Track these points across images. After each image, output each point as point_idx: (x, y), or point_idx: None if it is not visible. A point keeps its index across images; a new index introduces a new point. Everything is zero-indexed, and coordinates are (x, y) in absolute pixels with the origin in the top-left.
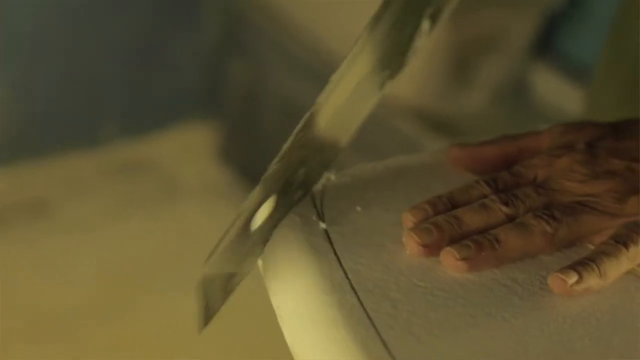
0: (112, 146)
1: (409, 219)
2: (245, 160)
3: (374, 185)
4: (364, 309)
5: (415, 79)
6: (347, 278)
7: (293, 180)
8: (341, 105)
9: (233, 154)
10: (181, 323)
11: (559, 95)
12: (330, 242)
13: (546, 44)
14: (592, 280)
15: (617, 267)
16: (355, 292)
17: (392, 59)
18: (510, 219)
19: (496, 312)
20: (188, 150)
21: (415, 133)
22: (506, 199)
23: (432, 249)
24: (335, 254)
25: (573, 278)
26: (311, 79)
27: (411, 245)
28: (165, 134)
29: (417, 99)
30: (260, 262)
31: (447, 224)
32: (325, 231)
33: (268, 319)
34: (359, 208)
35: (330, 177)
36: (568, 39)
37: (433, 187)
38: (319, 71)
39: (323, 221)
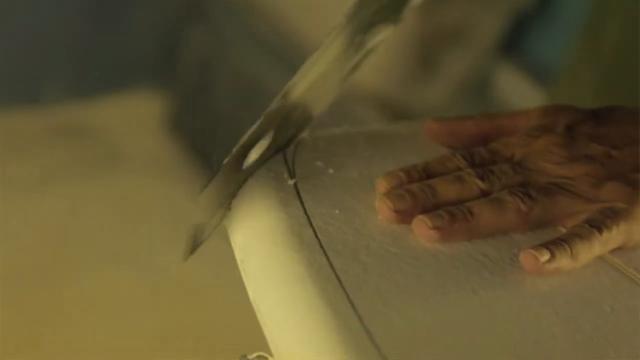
0: (58, 108)
1: (382, 185)
2: (194, 133)
3: (348, 150)
4: (333, 269)
5: (379, 68)
6: (317, 237)
7: (290, 118)
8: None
9: (182, 126)
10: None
11: (521, 95)
12: (301, 200)
13: (513, 44)
14: (563, 261)
15: (589, 250)
16: (325, 252)
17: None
18: (485, 194)
19: (465, 284)
20: (136, 118)
21: (375, 121)
22: (482, 173)
23: (404, 216)
24: (305, 212)
25: (545, 256)
26: (272, 54)
27: (384, 211)
28: (114, 100)
29: (380, 87)
30: (226, 215)
31: (421, 193)
32: (296, 189)
33: (230, 273)
34: (331, 170)
35: (304, 137)
36: (535, 39)
37: (407, 157)
38: (280, 46)
39: (294, 180)
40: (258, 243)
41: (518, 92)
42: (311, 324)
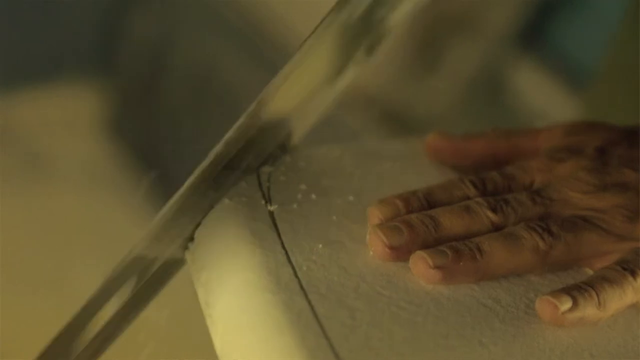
0: None
1: (375, 215)
2: (137, 137)
3: (334, 171)
4: (315, 315)
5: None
6: (297, 277)
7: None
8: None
9: (123, 127)
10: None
11: (545, 99)
12: (278, 233)
13: (535, 36)
14: (588, 309)
15: (619, 298)
16: (306, 295)
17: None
18: (498, 228)
19: (472, 334)
20: (65, 117)
21: (365, 128)
22: (495, 204)
23: (401, 253)
24: (283, 246)
25: (566, 304)
26: (234, 42)
27: (376, 246)
28: (38, 95)
29: (371, 86)
30: (187, 248)
31: (421, 225)
32: (273, 219)
33: (192, 318)
34: (314, 195)
35: (282, 157)
36: (564, 32)
37: (405, 181)
38: (245, 33)
39: (270, 208)
40: (226, 282)
41: (540, 94)
42: None
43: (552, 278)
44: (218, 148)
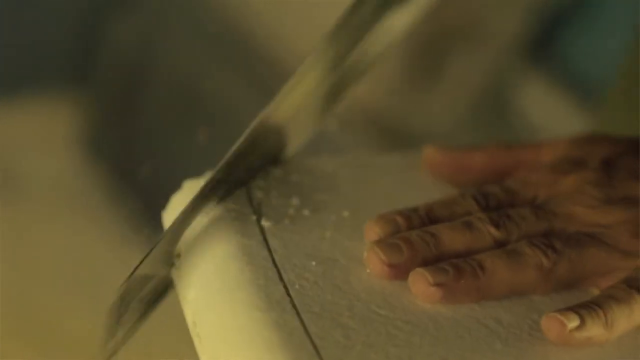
0: None
1: (374, 231)
2: (117, 153)
3: (327, 186)
4: (308, 334)
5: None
6: (288, 295)
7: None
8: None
9: (101, 143)
10: None
11: (553, 113)
12: (269, 249)
13: (543, 48)
14: (595, 329)
15: (628, 318)
16: (298, 313)
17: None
18: (500, 245)
19: (472, 356)
20: (38, 132)
21: (364, 143)
22: (497, 219)
23: (399, 271)
24: (274, 263)
25: (574, 322)
26: (217, 55)
27: (375, 264)
28: (8, 109)
29: (369, 99)
30: (173, 264)
31: (421, 242)
32: (263, 235)
33: (179, 338)
34: (307, 211)
35: (273, 171)
36: (572, 43)
37: (400, 194)
38: (227, 46)
39: (261, 222)
40: (215, 301)
41: (549, 110)
42: None
43: (556, 298)
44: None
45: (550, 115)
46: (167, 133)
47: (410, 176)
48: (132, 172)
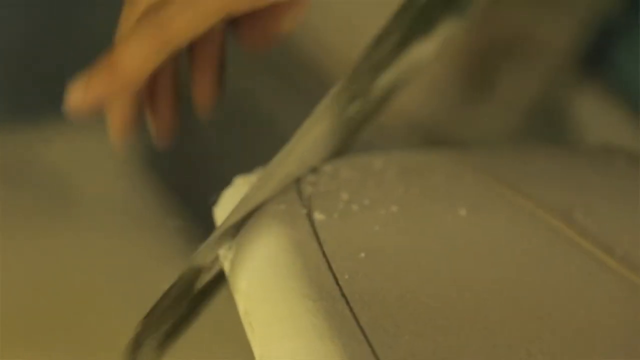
0: None
1: None
2: (174, 171)
3: (376, 181)
4: (358, 323)
5: (420, 91)
6: (338, 285)
7: None
8: None
9: (158, 162)
10: None
11: (607, 127)
12: (319, 242)
13: (597, 60)
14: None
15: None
16: (348, 302)
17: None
18: None
19: (520, 344)
20: (94, 152)
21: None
22: None
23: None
24: (324, 255)
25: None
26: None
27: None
28: (70, 128)
29: (421, 115)
30: (225, 257)
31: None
32: (313, 228)
33: (232, 327)
34: (356, 205)
35: (323, 166)
36: (628, 56)
37: (448, 189)
38: (281, 63)
39: (311, 216)
40: (266, 291)
41: (603, 124)
42: None
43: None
44: None
45: (605, 127)
46: (220, 147)
47: (458, 171)
48: (186, 187)
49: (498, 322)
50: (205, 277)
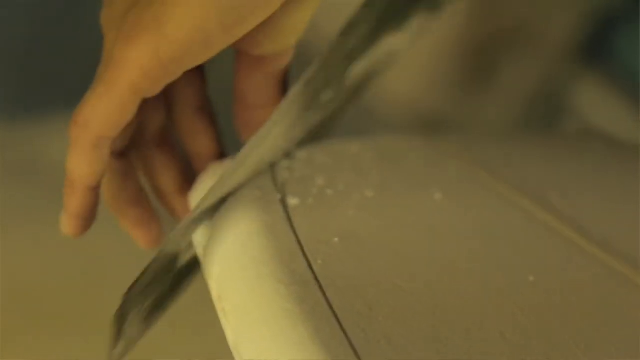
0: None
1: None
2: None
3: (351, 166)
4: (330, 307)
5: (421, 81)
6: (311, 269)
7: None
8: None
9: None
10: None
11: (609, 116)
12: (293, 227)
13: (598, 50)
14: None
15: None
16: (321, 286)
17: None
18: None
19: (494, 326)
20: None
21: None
22: None
23: None
24: (298, 240)
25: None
26: None
27: None
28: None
29: (422, 104)
30: (199, 242)
31: None
32: (287, 213)
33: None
34: (330, 190)
35: (298, 151)
36: (628, 45)
37: (424, 175)
38: None
39: (285, 201)
40: (239, 276)
41: (605, 114)
42: None
43: None
44: None
45: (606, 116)
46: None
47: (435, 156)
48: None
49: (472, 304)
50: (186, 256)
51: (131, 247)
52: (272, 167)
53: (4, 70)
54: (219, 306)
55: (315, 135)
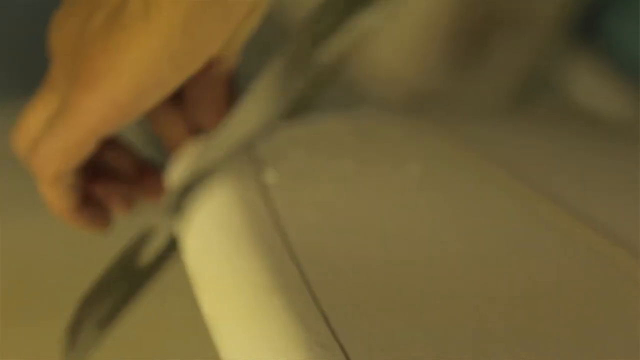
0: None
1: None
2: None
3: (330, 139)
4: (304, 278)
5: (411, 61)
6: (286, 242)
7: None
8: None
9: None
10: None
11: (605, 99)
12: (270, 200)
13: (590, 30)
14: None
15: None
16: (296, 258)
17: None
18: None
19: (466, 299)
20: None
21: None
22: None
23: None
24: (273, 213)
25: None
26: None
27: None
28: None
29: (413, 84)
30: (176, 219)
31: None
32: (265, 186)
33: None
34: (309, 164)
35: (277, 127)
36: (621, 26)
37: (404, 148)
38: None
39: (262, 176)
40: (214, 250)
41: (597, 93)
42: (277, 341)
43: None
44: None
45: (598, 97)
46: None
47: (413, 133)
48: None
49: (446, 276)
50: (149, 253)
51: None
52: (249, 142)
53: (3, 54)
54: (194, 280)
55: (294, 111)
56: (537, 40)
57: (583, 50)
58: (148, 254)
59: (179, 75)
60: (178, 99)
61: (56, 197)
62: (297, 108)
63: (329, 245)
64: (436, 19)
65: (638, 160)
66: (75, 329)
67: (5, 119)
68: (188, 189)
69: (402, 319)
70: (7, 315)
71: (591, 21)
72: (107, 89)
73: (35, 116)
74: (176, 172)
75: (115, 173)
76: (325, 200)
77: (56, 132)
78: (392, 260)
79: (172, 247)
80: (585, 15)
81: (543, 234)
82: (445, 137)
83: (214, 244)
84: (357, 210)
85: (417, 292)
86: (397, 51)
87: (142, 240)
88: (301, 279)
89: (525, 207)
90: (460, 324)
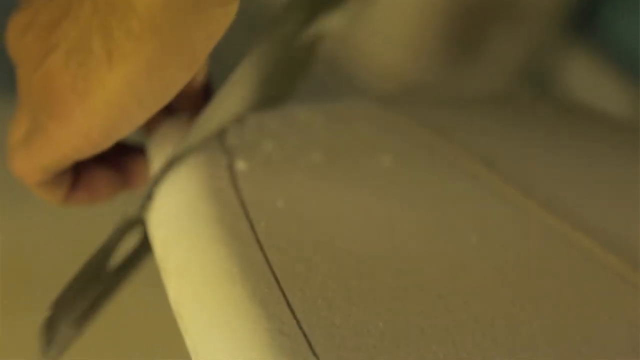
0: None
1: None
2: None
3: (301, 130)
4: (270, 267)
5: (406, 52)
6: (253, 230)
7: None
8: None
9: None
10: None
11: (601, 92)
12: (238, 190)
13: (588, 23)
14: None
15: None
16: (261, 247)
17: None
18: None
19: (431, 287)
20: None
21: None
22: None
23: None
24: (242, 202)
25: None
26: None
27: None
28: None
29: (408, 76)
30: (146, 206)
31: None
32: (233, 177)
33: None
34: (278, 154)
35: (247, 117)
36: (618, 19)
37: (375, 139)
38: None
39: (232, 165)
40: (181, 237)
41: (593, 87)
42: (239, 328)
43: None
44: None
45: (594, 89)
46: None
47: (385, 121)
48: None
49: (412, 266)
50: (123, 252)
51: None
52: (221, 131)
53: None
54: (161, 266)
55: (271, 102)
56: (533, 34)
57: (579, 44)
58: (124, 250)
59: (146, 112)
60: None
61: (43, 194)
62: (273, 98)
63: (297, 235)
64: (430, 12)
65: (635, 153)
66: (51, 326)
67: (5, 119)
68: (162, 176)
69: (367, 309)
70: (7, 313)
71: (588, 15)
72: (80, 125)
73: (13, 131)
74: (157, 158)
75: (100, 158)
76: (295, 190)
77: (31, 153)
78: (360, 250)
79: (147, 244)
80: (581, 9)
81: (514, 222)
82: (423, 130)
83: (181, 230)
84: (327, 200)
85: (385, 282)
86: (391, 44)
87: (118, 235)
88: (267, 267)
89: (497, 195)
90: (423, 312)
